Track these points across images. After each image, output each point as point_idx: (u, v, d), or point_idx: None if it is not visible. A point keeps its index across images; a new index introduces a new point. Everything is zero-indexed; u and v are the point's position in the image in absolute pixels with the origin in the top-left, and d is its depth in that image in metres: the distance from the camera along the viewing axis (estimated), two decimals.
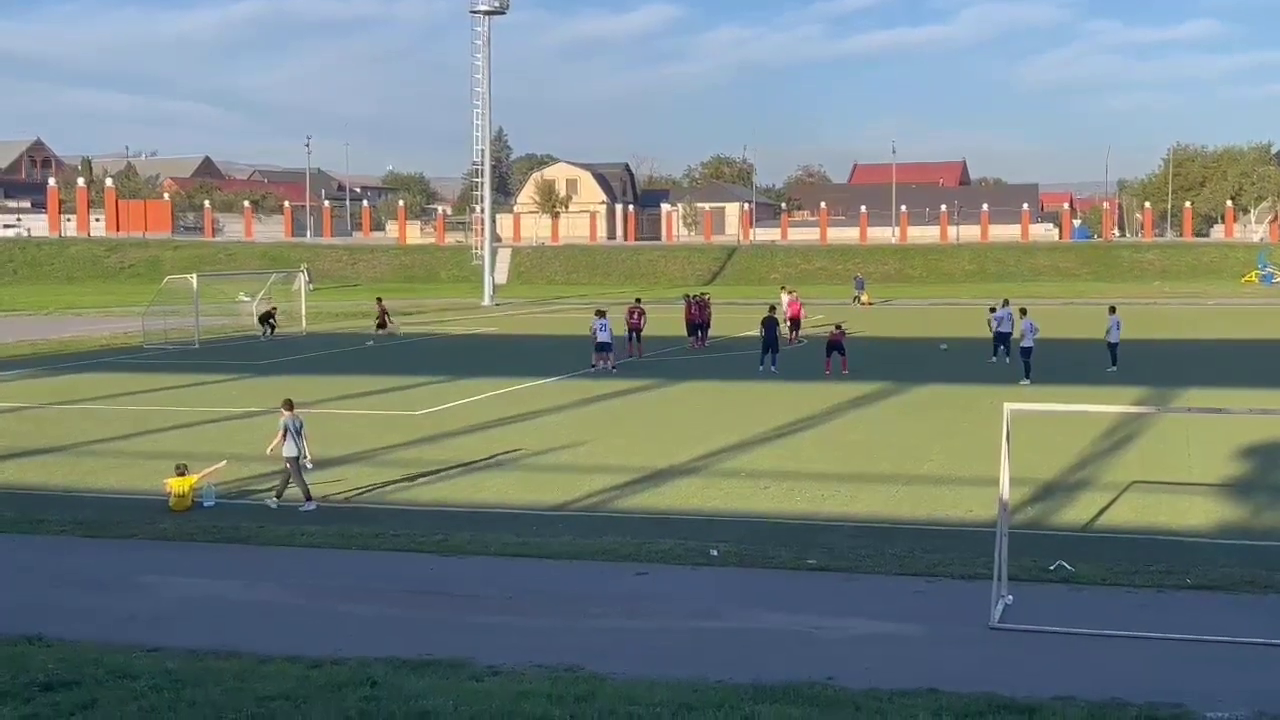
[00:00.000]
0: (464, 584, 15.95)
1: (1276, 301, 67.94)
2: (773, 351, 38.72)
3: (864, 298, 71.98)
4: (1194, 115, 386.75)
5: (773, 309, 41.82)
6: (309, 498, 20.39)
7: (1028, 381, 34.33)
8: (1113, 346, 37.89)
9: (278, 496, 20.64)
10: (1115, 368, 37.18)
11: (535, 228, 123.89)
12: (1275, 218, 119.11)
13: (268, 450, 21.08)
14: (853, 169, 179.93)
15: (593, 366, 38.73)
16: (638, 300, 47.72)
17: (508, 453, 25.29)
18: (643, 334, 44.43)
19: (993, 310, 40.52)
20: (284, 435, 20.41)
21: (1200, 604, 14.61)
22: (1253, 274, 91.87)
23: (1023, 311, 37.83)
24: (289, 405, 20.91)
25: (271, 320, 53.97)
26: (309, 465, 20.83)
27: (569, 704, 10.73)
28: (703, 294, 50.65)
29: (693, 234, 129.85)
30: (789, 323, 47.37)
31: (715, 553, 17.06)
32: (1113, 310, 38.97)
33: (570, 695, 11.08)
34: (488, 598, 15.34)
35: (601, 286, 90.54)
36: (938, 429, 27.96)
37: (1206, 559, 16.57)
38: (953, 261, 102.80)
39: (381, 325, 53.64)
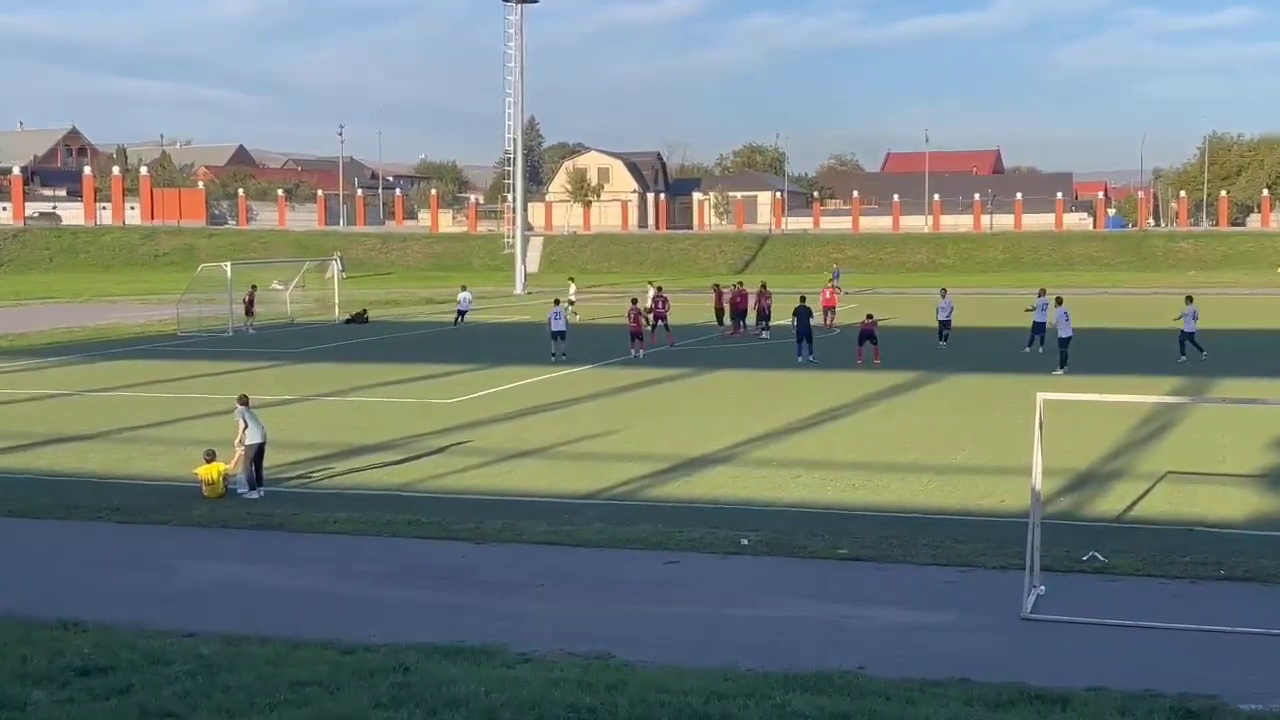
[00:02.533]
0: (496, 571, 16.00)
1: None
2: (808, 340, 38.58)
3: (839, 286, 72.71)
4: (1230, 103, 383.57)
5: (803, 298, 41.73)
6: (253, 486, 20.67)
7: (1061, 371, 34.20)
8: (1188, 336, 36.96)
9: (256, 486, 20.84)
10: (1185, 358, 36.42)
11: (567, 216, 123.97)
12: None
13: (235, 442, 21.02)
14: (885, 157, 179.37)
15: (561, 355, 38.68)
16: (659, 288, 47.63)
17: (539, 441, 25.34)
18: (669, 321, 44.48)
19: (1043, 299, 40.04)
20: (244, 426, 20.70)
21: (1234, 595, 14.52)
22: None
23: (1058, 301, 37.59)
24: (243, 400, 21.34)
25: (251, 312, 52.62)
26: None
27: (600, 692, 10.75)
28: (761, 284, 49.86)
29: (724, 223, 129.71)
30: (824, 311, 47.28)
31: (746, 541, 17.05)
32: (1189, 300, 38.22)
33: (601, 683, 11.10)
34: (519, 585, 15.38)
35: (634, 275, 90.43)
36: (970, 418, 27.84)
37: (1240, 550, 16.45)
38: (986, 251, 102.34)
39: (249, 311, 51.70)
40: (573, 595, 14.95)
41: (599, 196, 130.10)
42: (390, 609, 14.51)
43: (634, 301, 42.17)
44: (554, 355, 38.68)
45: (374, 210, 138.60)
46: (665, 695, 10.63)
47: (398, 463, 23.36)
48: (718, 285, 50.68)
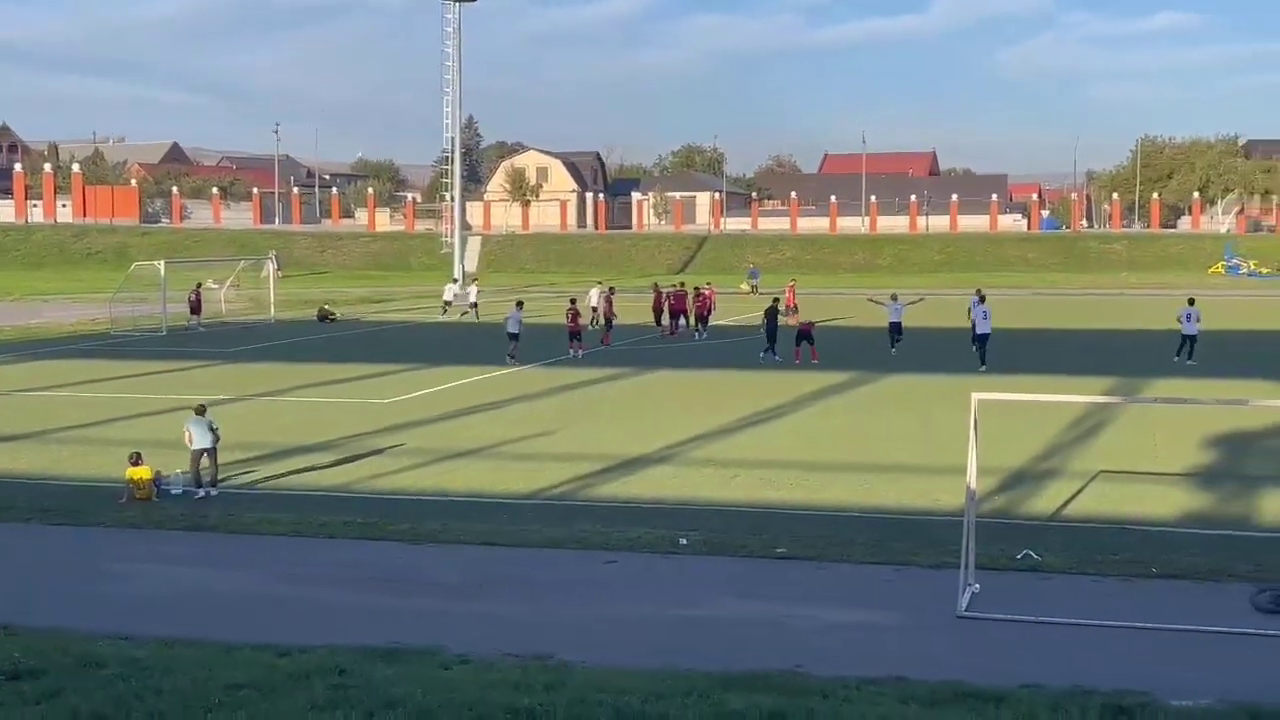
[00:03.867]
0: (434, 572, 15.93)
1: (1242, 293, 68.43)
2: (773, 341, 38.79)
3: (754, 286, 73.83)
4: (1163, 107, 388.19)
5: (776, 300, 42.20)
6: (199, 484, 20.68)
7: (983, 368, 34.91)
8: (1189, 339, 36.87)
9: (210, 484, 20.73)
10: (1193, 361, 36.28)
11: (506, 216, 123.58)
12: (1242, 209, 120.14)
13: (186, 439, 20.93)
14: (823, 158, 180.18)
15: (510, 357, 38.49)
16: (611, 289, 47.78)
17: (478, 441, 25.26)
18: (613, 322, 44.60)
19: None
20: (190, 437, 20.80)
21: (1166, 593, 14.73)
22: (1219, 265, 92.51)
23: (981, 298, 38.18)
24: (200, 409, 21.29)
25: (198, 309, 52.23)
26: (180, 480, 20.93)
27: (538, 692, 10.73)
28: (696, 287, 50.01)
29: (663, 223, 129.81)
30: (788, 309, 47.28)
31: (685, 541, 17.09)
32: (1191, 302, 38.38)
33: (539, 684, 11.09)
34: (457, 586, 15.32)
35: (572, 275, 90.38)
36: (907, 418, 28.06)
37: (1171, 548, 16.69)
38: (922, 252, 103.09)
39: (195, 310, 51.67)
40: (511, 596, 14.92)
41: (538, 196, 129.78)
42: (326, 611, 14.41)
43: (572, 301, 42.12)
44: (509, 356, 38.43)
45: (310, 209, 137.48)
46: (603, 695, 10.63)
47: (335, 464, 23.19)
48: (657, 285, 50.74)
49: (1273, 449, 24.06)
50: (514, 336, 38.82)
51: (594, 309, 46.74)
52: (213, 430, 20.87)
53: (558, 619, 13.99)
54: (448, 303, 58.85)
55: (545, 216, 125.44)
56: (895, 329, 39.53)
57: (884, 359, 38.27)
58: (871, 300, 43.22)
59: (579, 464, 22.82)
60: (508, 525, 18.19)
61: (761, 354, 38.76)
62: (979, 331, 36.63)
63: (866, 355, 39.65)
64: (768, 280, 77.28)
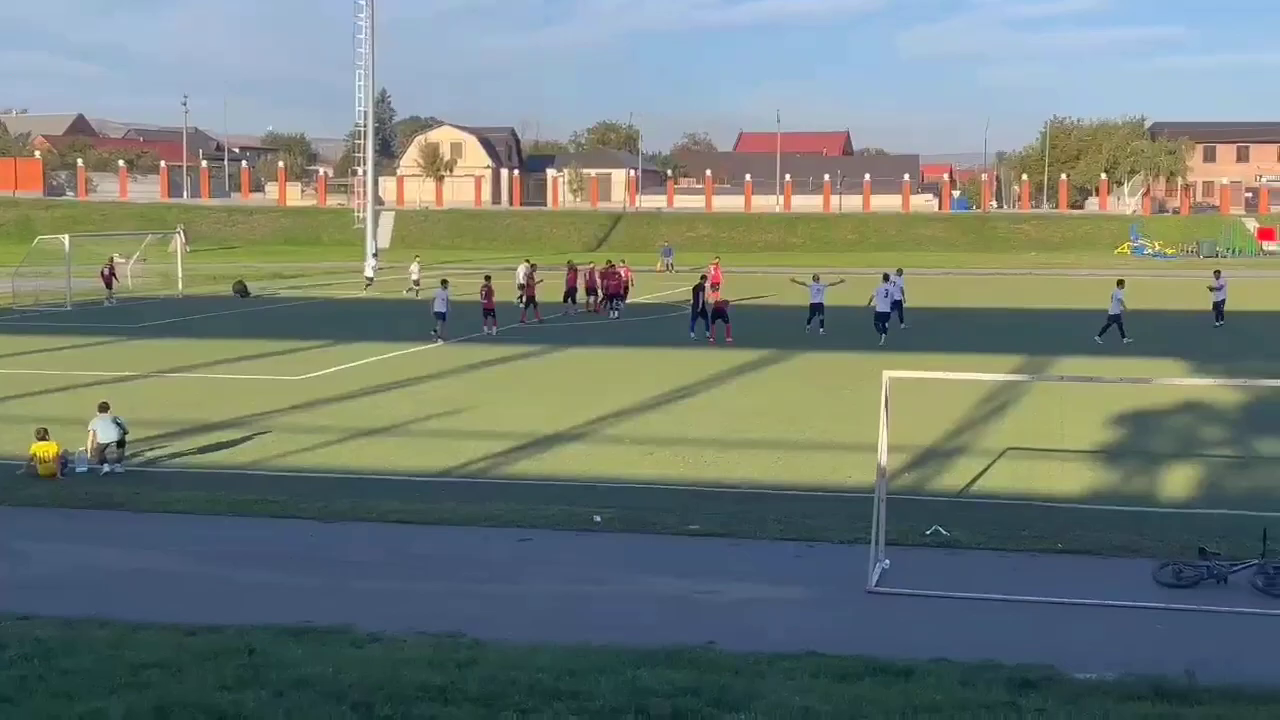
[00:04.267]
0: (345, 550, 15.80)
1: (1147, 273, 69.66)
2: (704, 318, 38.89)
3: (669, 265, 74.30)
4: (1072, 88, 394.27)
5: (704, 277, 42.25)
6: (104, 461, 20.43)
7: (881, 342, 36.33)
8: (1114, 319, 37.59)
9: (117, 461, 20.48)
10: (1130, 339, 36.80)
11: (419, 191, 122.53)
12: (1147, 191, 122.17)
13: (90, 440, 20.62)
14: (738, 137, 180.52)
15: (437, 335, 38.24)
16: (534, 265, 47.65)
17: (391, 418, 25.08)
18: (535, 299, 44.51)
19: (899, 279, 41.26)
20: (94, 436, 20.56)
21: (1071, 568, 14.98)
22: (1125, 246, 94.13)
23: (884, 277, 39.12)
24: (103, 406, 20.94)
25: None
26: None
27: (450, 670, 10.69)
28: (608, 263, 49.98)
29: (579, 200, 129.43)
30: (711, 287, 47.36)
31: (599, 519, 17.10)
32: (1120, 283, 39.09)
33: (452, 661, 11.04)
34: (370, 564, 15.22)
35: (486, 252, 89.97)
36: (819, 396, 28.28)
37: (1077, 524, 16.99)
38: (835, 231, 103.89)
39: (109, 284, 50.84)
40: (424, 574, 14.84)
41: (451, 172, 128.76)
42: (236, 590, 14.24)
43: (487, 279, 41.89)
44: (435, 333, 38.06)
45: (219, 182, 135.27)
46: (516, 673, 10.62)
47: (245, 440, 22.92)
48: (572, 263, 50.54)
49: (1176, 427, 24.56)
50: (441, 316, 38.39)
51: (520, 286, 46.51)
52: (118, 425, 20.52)
53: (471, 597, 13.94)
54: (370, 279, 58.60)
55: (459, 192, 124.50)
56: (817, 309, 39.75)
57: (800, 337, 38.51)
58: (793, 280, 43.46)
59: (493, 441, 22.74)
60: (420, 503, 18.08)
61: (691, 331, 38.81)
62: (878, 309, 38.03)
63: (783, 334, 39.87)
64: (683, 258, 77.52)
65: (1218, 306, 41.69)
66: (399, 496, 18.52)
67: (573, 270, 48.16)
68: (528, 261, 49.33)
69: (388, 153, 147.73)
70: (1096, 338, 37.18)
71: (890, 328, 38.20)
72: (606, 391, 28.60)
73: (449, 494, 18.82)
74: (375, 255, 67.21)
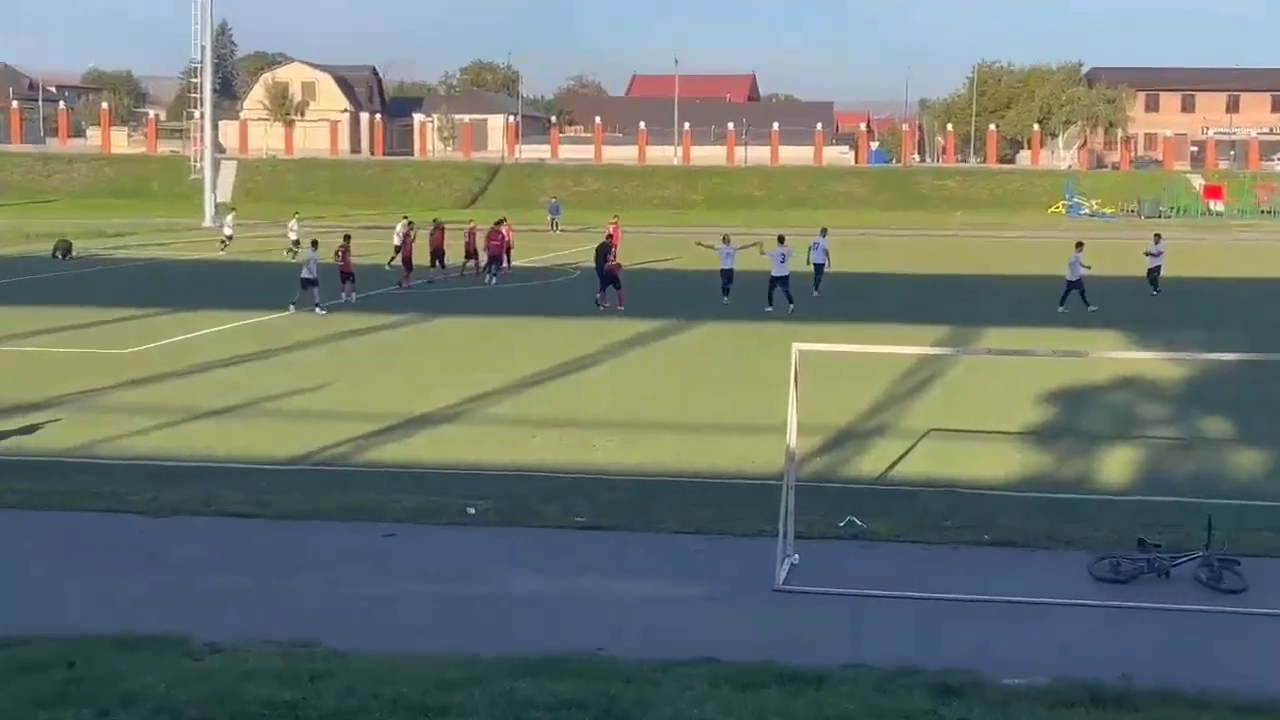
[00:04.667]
0: (182, 548, 15.56)
1: (1083, 236, 70.98)
2: (612, 284, 38.99)
3: (556, 223, 74.41)
4: (1002, 31, 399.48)
5: (609, 238, 42.24)
6: None
7: (770, 309, 37.29)
8: (1073, 285, 38.42)
9: None
10: (1093, 307, 37.85)
11: (266, 138, 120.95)
12: (1084, 144, 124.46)
13: None
14: (631, 81, 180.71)
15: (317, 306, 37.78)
16: (410, 222, 47.55)
17: (234, 397, 24.78)
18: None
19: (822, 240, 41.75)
20: None
21: (997, 561, 15.22)
22: (1059, 204, 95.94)
23: (780, 239, 39.39)
24: None
25: None
26: None
27: (303, 684, 10.60)
28: (502, 219, 49.98)
29: (450, 149, 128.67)
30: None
31: (474, 510, 17.03)
32: (1079, 246, 39.77)
33: (304, 674, 10.94)
34: (209, 564, 15.01)
35: (345, 207, 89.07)
36: (722, 371, 28.46)
37: (1004, 512, 17.26)
38: (740, 185, 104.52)
39: None
40: (272, 574, 14.68)
41: (303, 115, 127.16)
42: (54, 595, 13.97)
43: (347, 239, 41.40)
44: (317, 305, 37.46)
45: (32, 126, 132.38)
46: (379, 686, 10.56)
47: (64, 422, 22.49)
48: (438, 220, 49.98)
49: (1113, 404, 25.11)
50: (311, 283, 37.61)
51: (396, 247, 45.94)
52: None
53: (326, 600, 13.83)
54: (228, 237, 57.68)
55: (312, 139, 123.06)
56: (727, 276, 39.73)
57: (702, 305, 38.70)
58: (700, 243, 43.44)
59: (353, 423, 22.56)
60: (268, 493, 17.87)
61: (597, 299, 38.87)
62: (774, 274, 38.27)
63: (683, 302, 40.05)
64: (571, 217, 77.47)
65: (1153, 274, 42.52)
66: (244, 487, 18.29)
67: (439, 229, 47.59)
68: (406, 219, 49.03)
69: (229, 93, 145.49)
70: (1060, 308, 37.84)
71: (797, 295, 38.47)
72: (484, 366, 28.50)
73: (302, 483, 18.63)
74: (232, 211, 65.82)
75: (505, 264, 47.11)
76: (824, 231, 43.19)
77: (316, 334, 33.07)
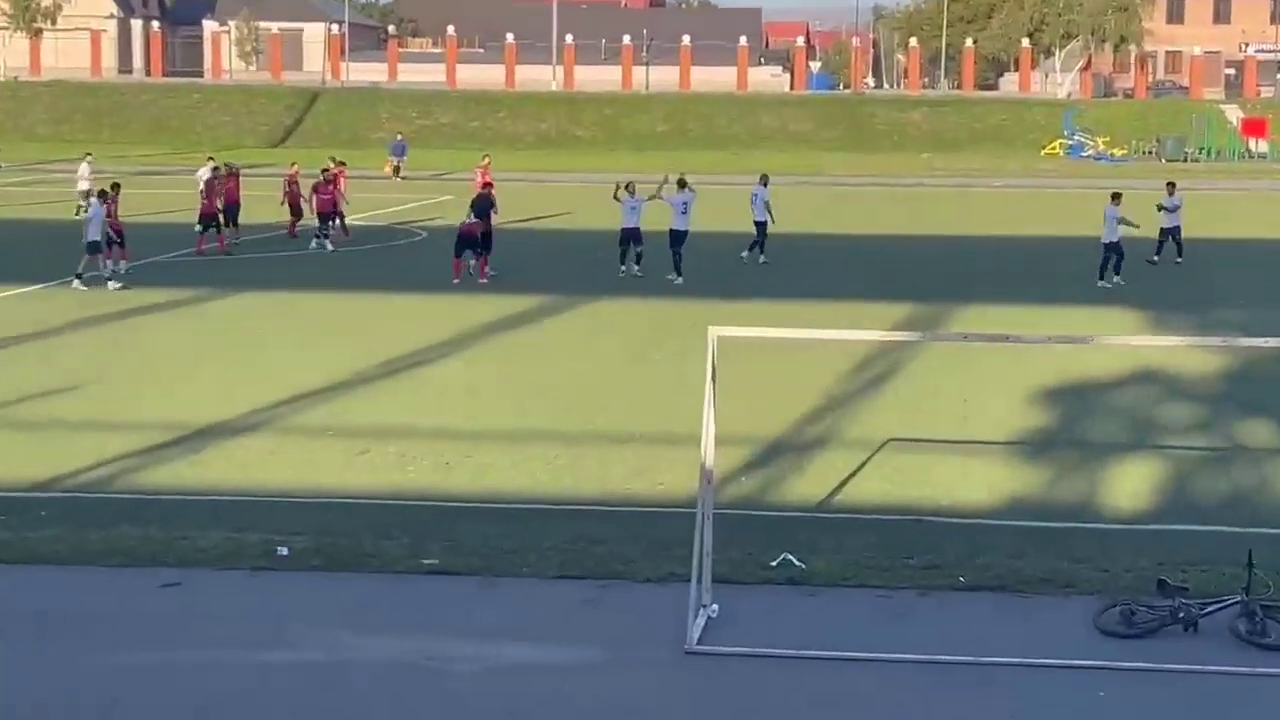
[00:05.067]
0: None
1: (1088, 184, 71.73)
2: (472, 249, 38.96)
3: (400, 165, 73.39)
4: None
5: (489, 186, 42.02)
6: None
7: (676, 278, 37.97)
8: (1112, 249, 38.96)
9: None
10: (1118, 278, 38.72)
11: (5, 53, 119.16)
12: (1088, 65, 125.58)
13: None
14: None
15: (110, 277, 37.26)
16: (216, 166, 46.90)
17: None
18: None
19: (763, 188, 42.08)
20: None
21: (977, 611, 15.30)
22: (1057, 143, 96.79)
23: (681, 183, 39.81)
24: None
25: None
26: None
27: None
28: (336, 163, 49.82)
29: (253, 69, 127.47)
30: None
31: (286, 551, 16.92)
32: (1115, 199, 40.00)
33: None
34: None
35: (112, 146, 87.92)
36: (617, 364, 28.45)
37: (987, 548, 17.37)
38: (641, 118, 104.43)
39: None
40: (18, 637, 14.48)
41: (55, 23, 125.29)
42: None
43: (114, 188, 40.80)
44: (108, 275, 36.84)
45: None
46: None
47: None
48: (231, 166, 49.06)
49: (1127, 405, 25.38)
50: (96, 246, 37.05)
51: (203, 196, 44.97)
52: None
53: (87, 670, 13.66)
54: (87, 193, 55.90)
55: (68, 55, 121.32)
56: (632, 237, 39.53)
57: (595, 276, 38.67)
58: (617, 196, 42.52)
59: (125, 436, 22.33)
60: (7, 530, 17.64)
61: (475, 269, 39.00)
62: (674, 226, 38.90)
63: (570, 272, 39.99)
64: (421, 160, 77.01)
65: (1169, 235, 42.61)
66: None
67: (233, 176, 46.71)
68: (212, 160, 48.75)
69: None
70: (1099, 281, 38.37)
71: (723, 259, 38.61)
72: (298, 358, 28.33)
73: (53, 516, 18.40)
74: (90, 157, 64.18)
75: (337, 223, 46.47)
76: (764, 180, 43.33)
77: (70, 317, 32.60)
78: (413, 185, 68.55)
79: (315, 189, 46.08)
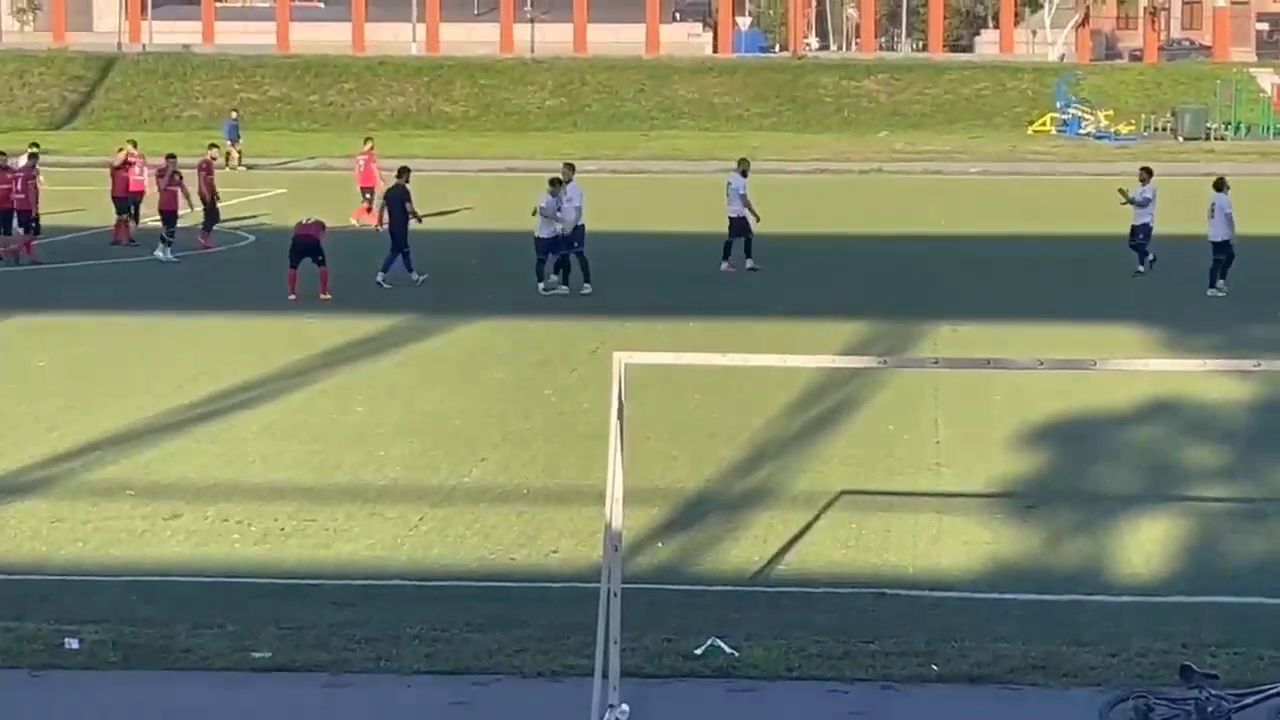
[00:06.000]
0: None
1: (1088, 169, 72.26)
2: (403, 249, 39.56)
3: (235, 153, 72.90)
4: None
5: (404, 172, 42.40)
6: None
7: (562, 285, 38.81)
8: (1219, 248, 39.59)
9: None
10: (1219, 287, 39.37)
11: None
12: (1085, 21, 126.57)
13: None
14: None
15: None
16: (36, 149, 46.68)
17: None
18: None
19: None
20: None
21: (959, 708, 15.41)
22: (1047, 118, 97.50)
23: (557, 181, 40.16)
24: None
25: None
26: None
27: None
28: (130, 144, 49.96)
29: (29, 29, 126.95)
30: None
31: (76, 643, 16.80)
32: (1220, 186, 40.36)
33: None
34: None
35: None
36: (498, 399, 28.41)
37: (968, 628, 17.48)
38: (522, 92, 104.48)
39: None
40: None
41: None
42: None
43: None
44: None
45: None
46: None
47: None
48: (3, 155, 48.70)
49: (1137, 445, 25.55)
50: None
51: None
52: None
53: None
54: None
55: None
56: (559, 243, 39.74)
57: (445, 288, 38.71)
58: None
59: None
60: None
61: (410, 274, 39.32)
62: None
63: (440, 284, 39.99)
64: (252, 143, 76.68)
65: (1138, 235, 42.37)
66: None
67: (6, 171, 46.27)
68: (35, 146, 49.26)
69: None
70: (1210, 289, 39.11)
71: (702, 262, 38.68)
72: (87, 398, 28.17)
73: None
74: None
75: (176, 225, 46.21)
76: (743, 168, 44.48)
77: None
78: (251, 177, 68.39)
79: (162, 176, 46.00)
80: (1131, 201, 41.99)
